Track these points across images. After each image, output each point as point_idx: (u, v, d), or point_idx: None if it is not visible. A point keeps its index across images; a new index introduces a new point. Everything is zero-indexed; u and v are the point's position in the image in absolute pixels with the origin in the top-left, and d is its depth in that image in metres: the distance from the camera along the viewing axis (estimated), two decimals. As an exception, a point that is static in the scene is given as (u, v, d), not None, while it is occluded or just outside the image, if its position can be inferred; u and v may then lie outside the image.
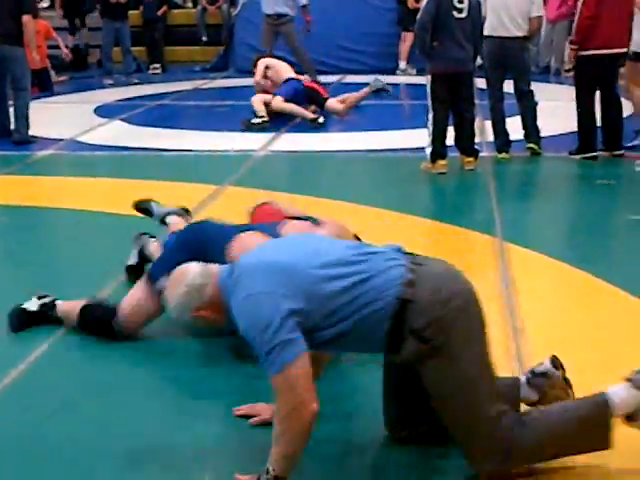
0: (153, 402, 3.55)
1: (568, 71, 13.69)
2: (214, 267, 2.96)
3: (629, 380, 2.80)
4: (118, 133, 9.92)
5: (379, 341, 2.75)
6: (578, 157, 7.84)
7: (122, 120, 10.72)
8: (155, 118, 11.01)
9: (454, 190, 7.34)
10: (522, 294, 4.52)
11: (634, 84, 8.03)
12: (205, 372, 3.79)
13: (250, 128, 9.69)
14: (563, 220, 6.53)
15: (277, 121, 10.17)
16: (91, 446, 3.17)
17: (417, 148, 7.89)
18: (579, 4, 7.55)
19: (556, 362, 3.12)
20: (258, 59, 10.71)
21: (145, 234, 4.95)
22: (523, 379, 3.13)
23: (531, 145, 7.99)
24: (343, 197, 6.58)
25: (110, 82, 14.42)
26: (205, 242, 3.90)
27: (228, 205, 6.53)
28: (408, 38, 13.88)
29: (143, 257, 4.84)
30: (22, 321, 4.21)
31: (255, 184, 7.15)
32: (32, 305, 4.24)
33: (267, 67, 10.51)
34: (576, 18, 7.61)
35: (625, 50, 7.66)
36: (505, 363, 3.67)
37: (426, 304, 2.70)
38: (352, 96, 10.40)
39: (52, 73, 13.80)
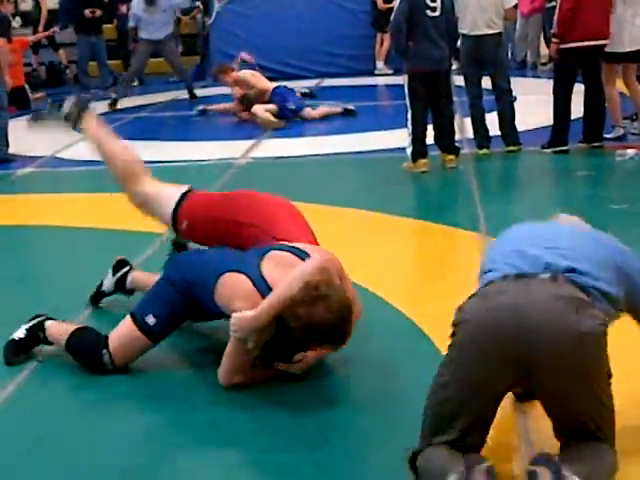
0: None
1: (544, 65, 13.85)
2: None
3: None
4: (98, 148, 9.86)
5: None
6: (549, 150, 7.86)
7: (101, 134, 10.65)
8: (134, 131, 10.94)
9: (437, 188, 7.35)
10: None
11: (607, 83, 8.05)
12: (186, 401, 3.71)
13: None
14: (547, 213, 6.44)
15: (257, 127, 10.23)
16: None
17: (398, 148, 7.89)
18: None
19: None
20: (220, 72, 10.91)
21: (125, 263, 4.75)
22: None
23: (510, 148, 7.99)
24: (327, 201, 6.57)
25: (87, 97, 14.36)
26: (188, 277, 3.77)
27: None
28: (385, 39, 13.90)
29: (120, 286, 4.66)
30: (12, 352, 4.04)
31: (238, 192, 7.12)
32: (20, 332, 4.06)
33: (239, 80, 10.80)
34: (557, 11, 7.62)
35: (605, 42, 7.65)
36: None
37: (460, 306, 2.84)
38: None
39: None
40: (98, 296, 4.70)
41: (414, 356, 3.84)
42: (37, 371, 3.97)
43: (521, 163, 7.89)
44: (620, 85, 8.23)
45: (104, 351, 3.79)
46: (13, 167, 8.95)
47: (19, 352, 4.05)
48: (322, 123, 10.45)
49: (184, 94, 13.62)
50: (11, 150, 9.30)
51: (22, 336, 4.06)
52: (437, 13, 7.22)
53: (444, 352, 3.76)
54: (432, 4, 7.19)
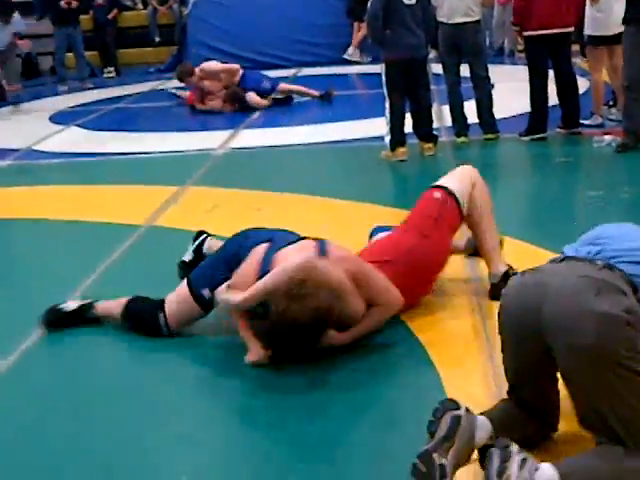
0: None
1: (522, 52, 13.86)
2: None
3: None
4: (75, 139, 9.84)
5: None
6: (527, 138, 7.88)
7: (78, 126, 10.63)
8: (112, 122, 10.92)
9: (415, 177, 7.34)
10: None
11: (594, 69, 8.09)
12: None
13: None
14: (525, 200, 6.56)
15: (235, 117, 10.22)
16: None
17: (376, 137, 7.89)
18: None
19: None
20: (185, 75, 10.99)
21: (204, 233, 4.90)
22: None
23: (488, 136, 8.02)
24: (306, 190, 6.57)
25: (64, 88, 14.30)
26: (241, 254, 3.88)
27: (190, 205, 6.52)
28: (362, 27, 13.88)
29: (199, 254, 4.74)
30: (58, 319, 4.18)
31: (216, 183, 7.13)
32: (70, 306, 4.21)
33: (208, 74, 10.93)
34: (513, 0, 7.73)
35: (569, 30, 7.67)
36: (473, 336, 3.71)
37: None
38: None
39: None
40: (184, 269, 4.66)
41: (390, 340, 3.86)
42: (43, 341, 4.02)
43: (499, 151, 7.91)
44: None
45: (160, 314, 3.96)
46: (-10, 160, 8.90)
47: (62, 323, 4.15)
48: (300, 113, 10.45)
49: (162, 84, 13.58)
50: (-13, 143, 9.24)
51: (72, 308, 4.18)
52: (413, 1, 7.21)
53: (424, 344, 3.80)
54: (408, -8, 7.19)
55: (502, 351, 2.92)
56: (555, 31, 7.53)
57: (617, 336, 2.56)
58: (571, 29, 7.67)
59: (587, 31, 7.96)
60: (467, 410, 2.69)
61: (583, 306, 2.58)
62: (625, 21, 7.06)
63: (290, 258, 3.65)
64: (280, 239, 3.92)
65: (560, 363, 2.68)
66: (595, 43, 7.99)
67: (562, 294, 2.64)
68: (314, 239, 3.93)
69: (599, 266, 2.71)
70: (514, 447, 2.53)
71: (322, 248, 3.79)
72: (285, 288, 3.45)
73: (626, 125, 7.28)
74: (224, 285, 3.75)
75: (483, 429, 2.70)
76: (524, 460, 2.51)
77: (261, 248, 3.84)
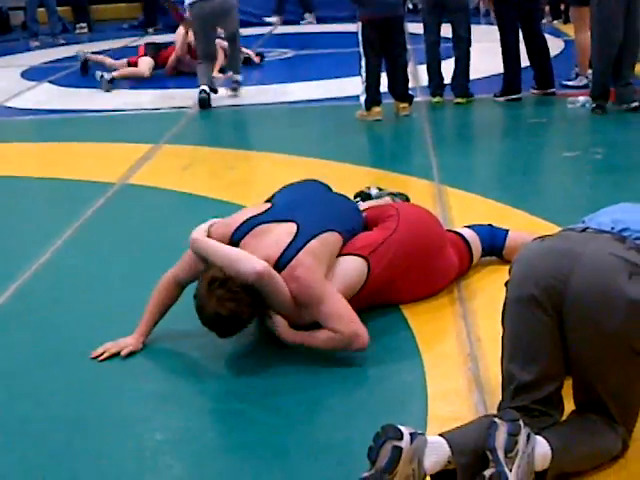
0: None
1: (497, 12, 13.81)
2: None
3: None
4: (48, 96, 9.73)
5: None
6: (502, 99, 7.89)
7: (51, 82, 10.51)
8: (85, 79, 10.79)
9: (390, 137, 7.35)
10: (462, 236, 4.55)
11: (578, 30, 8.08)
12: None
13: None
14: (499, 161, 6.58)
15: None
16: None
17: (351, 96, 7.87)
18: None
19: None
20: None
21: None
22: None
23: (458, 100, 7.94)
24: (281, 149, 6.55)
25: (36, 44, 14.11)
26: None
27: (164, 163, 6.49)
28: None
29: None
30: None
31: (191, 141, 7.10)
32: None
33: None
34: None
35: None
36: (447, 296, 3.74)
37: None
38: None
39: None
40: None
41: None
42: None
43: (474, 111, 7.89)
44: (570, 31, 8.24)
45: None
46: (-39, 116, 8.80)
47: None
48: (274, 71, 10.37)
49: (136, 41, 13.42)
50: (-42, 99, 9.13)
51: None
52: (390, -42, 7.15)
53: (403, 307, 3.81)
54: (386, -51, 7.12)
55: (503, 339, 2.67)
56: None
57: None
58: None
59: None
60: (413, 435, 2.38)
61: (615, 288, 2.47)
62: None
63: (258, 250, 3.43)
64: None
65: (572, 337, 2.54)
66: (579, 2, 7.92)
67: (595, 269, 2.50)
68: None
69: (627, 245, 2.57)
70: (521, 420, 2.40)
71: (288, 255, 3.44)
72: (221, 278, 3.23)
73: (591, 89, 7.28)
74: (207, 224, 3.62)
75: (436, 454, 2.41)
76: (529, 435, 2.40)
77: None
